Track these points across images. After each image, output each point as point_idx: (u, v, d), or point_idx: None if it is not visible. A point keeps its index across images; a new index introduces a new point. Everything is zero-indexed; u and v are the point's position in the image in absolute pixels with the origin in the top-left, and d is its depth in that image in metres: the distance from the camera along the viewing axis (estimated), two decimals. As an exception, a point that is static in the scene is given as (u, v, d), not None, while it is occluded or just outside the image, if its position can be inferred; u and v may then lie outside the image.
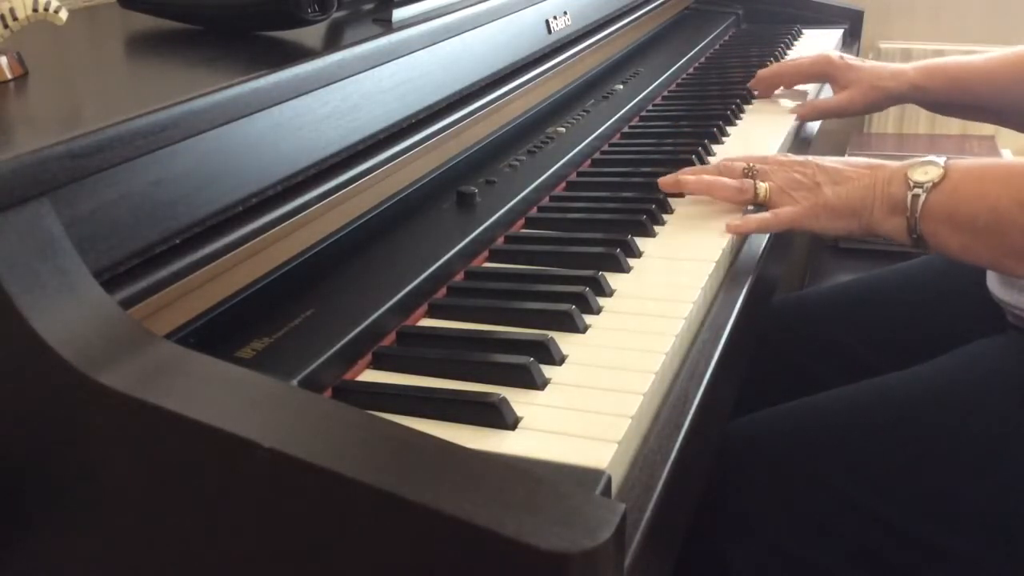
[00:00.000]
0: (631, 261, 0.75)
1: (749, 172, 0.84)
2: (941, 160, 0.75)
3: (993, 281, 0.90)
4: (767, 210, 0.82)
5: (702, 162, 0.97)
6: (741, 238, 0.83)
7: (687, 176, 0.87)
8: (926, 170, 0.75)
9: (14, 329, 0.44)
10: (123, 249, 0.51)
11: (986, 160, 0.76)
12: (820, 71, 1.18)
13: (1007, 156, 1.73)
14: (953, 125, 1.88)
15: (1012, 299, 0.85)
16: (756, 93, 1.24)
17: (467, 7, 0.89)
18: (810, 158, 0.85)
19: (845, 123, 1.90)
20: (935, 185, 0.74)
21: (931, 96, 1.11)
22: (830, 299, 1.10)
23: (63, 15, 0.61)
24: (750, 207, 0.85)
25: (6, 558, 0.51)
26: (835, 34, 1.59)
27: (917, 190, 0.74)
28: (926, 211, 0.74)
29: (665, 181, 0.88)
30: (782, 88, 1.25)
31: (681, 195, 0.89)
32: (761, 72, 1.24)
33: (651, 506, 0.51)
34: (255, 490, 0.43)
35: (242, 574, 0.45)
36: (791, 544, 0.79)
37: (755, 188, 0.83)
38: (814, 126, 1.21)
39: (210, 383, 0.45)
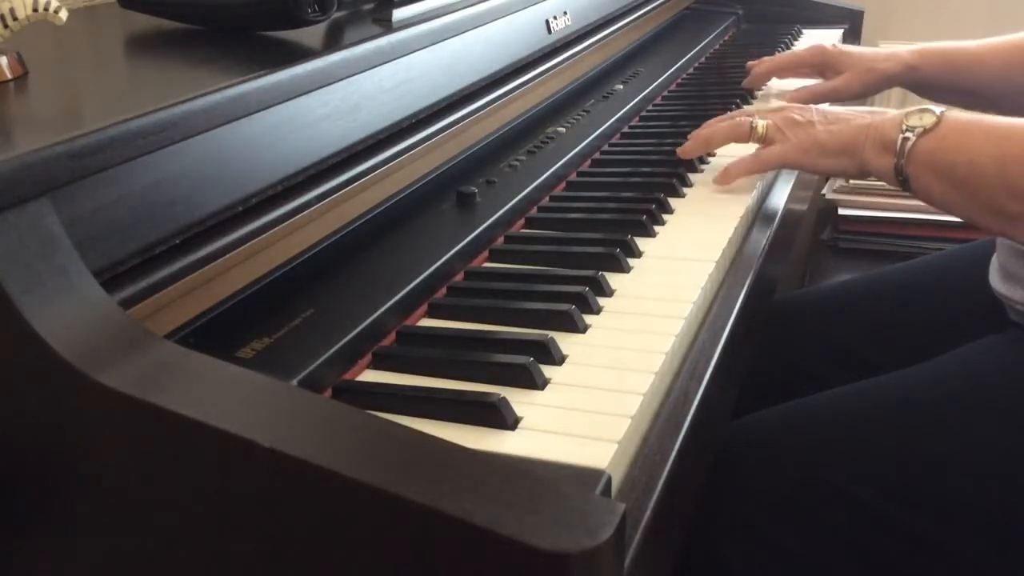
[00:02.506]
0: (631, 261, 0.75)
1: (751, 115, 0.90)
2: (938, 109, 0.78)
3: (995, 276, 0.90)
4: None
5: (703, 162, 0.97)
6: (741, 237, 0.83)
7: (685, 147, 0.94)
8: (921, 116, 0.78)
9: (14, 329, 0.44)
10: (123, 249, 0.51)
11: (978, 116, 0.78)
12: (816, 61, 1.20)
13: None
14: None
15: (1014, 294, 0.85)
16: (747, 86, 1.25)
17: (467, 7, 0.89)
18: (813, 105, 0.90)
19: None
20: (926, 131, 0.77)
21: (925, 78, 1.13)
22: (830, 299, 1.10)
23: (63, 15, 0.61)
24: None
25: (6, 558, 0.51)
26: (835, 34, 1.59)
27: (908, 133, 0.78)
28: (913, 154, 0.77)
29: (683, 151, 0.94)
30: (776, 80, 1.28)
31: (699, 166, 0.95)
32: (757, 70, 1.24)
33: (651, 506, 0.51)
34: (255, 490, 0.43)
35: (242, 574, 0.45)
36: (791, 544, 0.79)
37: (753, 123, 0.88)
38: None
39: (210, 383, 0.45)
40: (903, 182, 0.79)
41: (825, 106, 0.89)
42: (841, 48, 1.18)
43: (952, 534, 0.76)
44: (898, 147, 0.78)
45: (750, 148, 0.91)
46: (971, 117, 0.78)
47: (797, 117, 0.87)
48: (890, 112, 0.82)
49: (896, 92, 1.99)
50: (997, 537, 0.76)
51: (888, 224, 1.62)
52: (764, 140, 0.88)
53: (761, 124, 0.88)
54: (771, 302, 1.05)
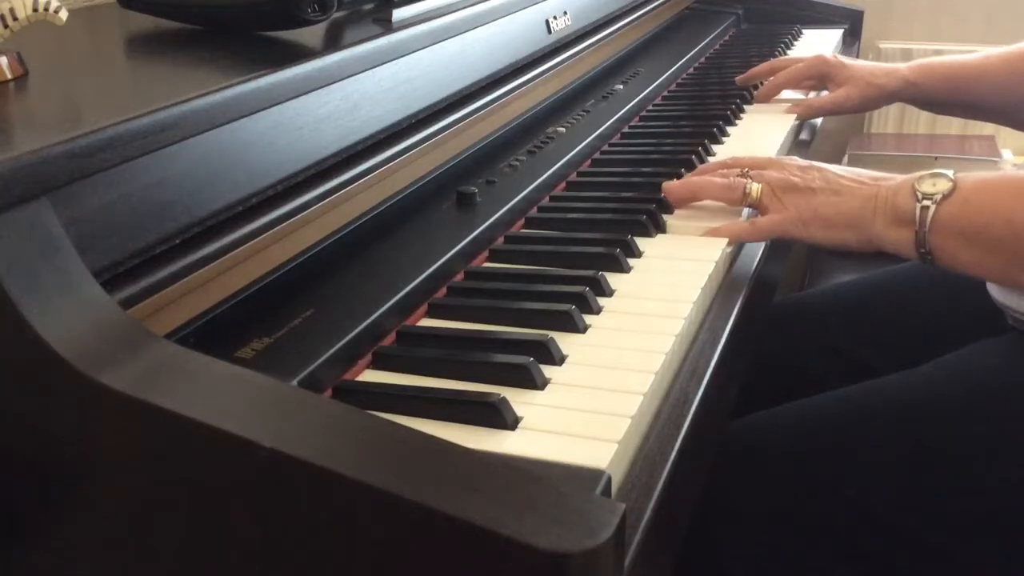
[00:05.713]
0: (631, 261, 0.75)
1: (745, 173, 0.83)
2: (949, 172, 0.74)
3: (992, 284, 0.90)
4: (758, 214, 0.82)
5: (702, 162, 0.97)
6: (741, 238, 0.82)
7: (672, 185, 0.86)
8: (935, 182, 0.73)
9: (14, 329, 0.44)
10: (123, 249, 0.51)
11: (994, 174, 0.75)
12: (816, 72, 1.20)
13: (1007, 156, 1.73)
14: (953, 125, 1.88)
15: (1012, 303, 0.85)
16: (755, 95, 1.24)
17: (467, 7, 0.89)
18: (815, 163, 0.82)
19: (845, 123, 1.90)
20: (945, 197, 0.72)
21: (926, 94, 1.12)
22: (830, 300, 1.10)
23: (63, 15, 0.61)
24: (748, 209, 0.84)
25: (6, 558, 0.51)
26: (835, 34, 1.59)
27: (927, 202, 0.72)
28: (936, 223, 0.72)
29: (669, 188, 0.86)
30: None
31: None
32: (760, 92, 1.23)
33: (651, 506, 0.51)
34: (255, 490, 0.43)
35: (242, 574, 0.45)
36: (790, 544, 0.79)
37: (746, 188, 0.81)
38: (814, 126, 1.21)
39: (210, 383, 0.45)
40: (923, 255, 0.74)
41: (827, 165, 0.82)
42: (842, 60, 1.17)
43: (951, 535, 0.76)
44: (917, 217, 0.72)
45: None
46: (988, 176, 0.74)
47: (797, 181, 0.80)
48: (896, 177, 0.77)
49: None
50: (997, 538, 0.76)
51: (888, 224, 1.61)
52: (758, 206, 0.81)
53: (755, 188, 0.80)
54: (771, 303, 1.05)
